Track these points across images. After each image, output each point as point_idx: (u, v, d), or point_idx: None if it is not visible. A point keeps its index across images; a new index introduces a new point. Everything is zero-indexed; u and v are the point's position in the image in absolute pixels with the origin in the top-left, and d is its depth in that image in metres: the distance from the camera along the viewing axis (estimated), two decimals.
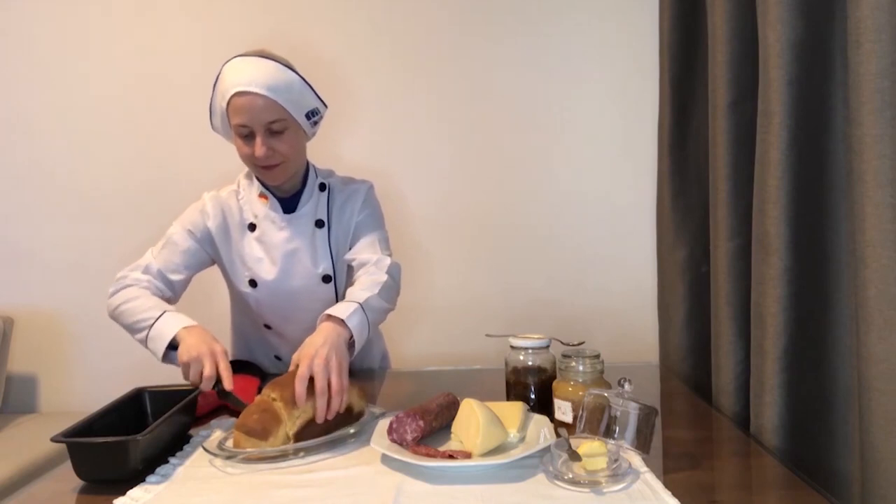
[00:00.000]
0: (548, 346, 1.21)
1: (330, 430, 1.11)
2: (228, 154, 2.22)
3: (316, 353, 1.10)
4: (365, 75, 2.25)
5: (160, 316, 1.24)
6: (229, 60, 1.31)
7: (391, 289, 1.36)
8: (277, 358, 1.55)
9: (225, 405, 1.30)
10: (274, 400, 1.07)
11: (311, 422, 1.08)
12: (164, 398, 1.16)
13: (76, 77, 2.29)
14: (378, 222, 1.48)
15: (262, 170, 1.34)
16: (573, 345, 1.19)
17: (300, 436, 1.07)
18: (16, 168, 2.32)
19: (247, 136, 1.30)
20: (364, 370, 1.62)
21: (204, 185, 2.36)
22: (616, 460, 0.93)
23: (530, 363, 1.19)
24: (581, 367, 1.09)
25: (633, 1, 2.19)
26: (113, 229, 2.32)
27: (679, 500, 0.85)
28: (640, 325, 2.18)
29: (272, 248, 1.41)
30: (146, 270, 1.36)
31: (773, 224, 1.14)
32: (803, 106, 1.12)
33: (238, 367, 1.37)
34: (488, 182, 2.28)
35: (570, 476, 0.92)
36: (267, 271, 1.41)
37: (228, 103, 1.29)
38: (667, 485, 0.90)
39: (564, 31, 2.23)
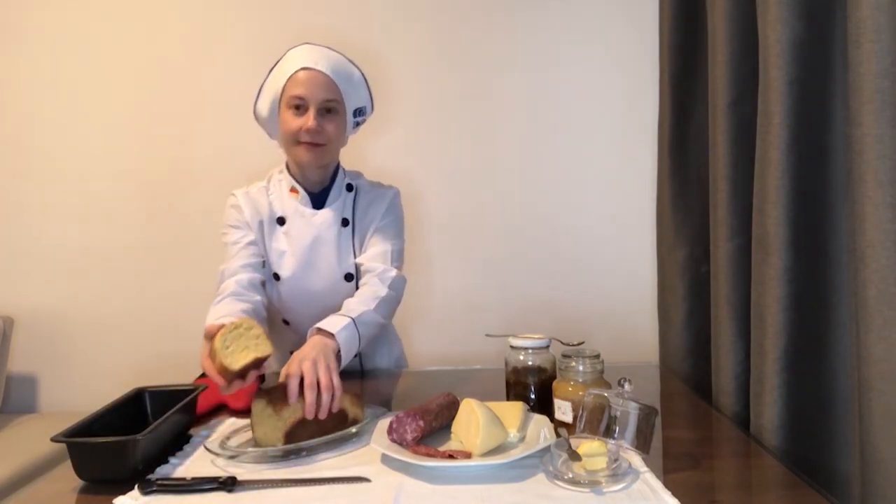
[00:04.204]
0: (548, 346, 1.21)
1: (326, 432, 1.11)
2: (232, 155, 2.23)
3: (304, 357, 1.13)
4: None
5: None
6: (295, 46, 1.39)
7: (389, 303, 1.38)
8: (292, 353, 1.55)
9: (225, 405, 1.30)
10: (265, 405, 1.07)
11: (304, 422, 1.09)
12: (164, 398, 1.17)
13: (78, 76, 2.29)
14: (397, 232, 1.50)
15: (304, 146, 1.36)
16: (573, 345, 1.19)
17: (292, 435, 1.07)
18: (17, 167, 2.32)
19: (299, 107, 1.34)
20: (378, 369, 1.62)
21: (206, 185, 2.34)
22: (616, 460, 0.93)
23: (530, 363, 1.19)
24: (581, 367, 1.09)
25: (633, 1, 2.20)
26: (114, 229, 2.31)
27: (679, 500, 0.85)
28: (640, 325, 2.18)
29: (296, 242, 1.43)
30: (231, 274, 1.36)
31: (773, 224, 1.14)
32: (803, 106, 1.12)
33: None
34: (487, 182, 2.28)
35: (570, 476, 0.92)
36: (288, 265, 1.43)
37: (289, 79, 1.35)
38: (667, 485, 0.90)
39: (564, 31, 2.23)
